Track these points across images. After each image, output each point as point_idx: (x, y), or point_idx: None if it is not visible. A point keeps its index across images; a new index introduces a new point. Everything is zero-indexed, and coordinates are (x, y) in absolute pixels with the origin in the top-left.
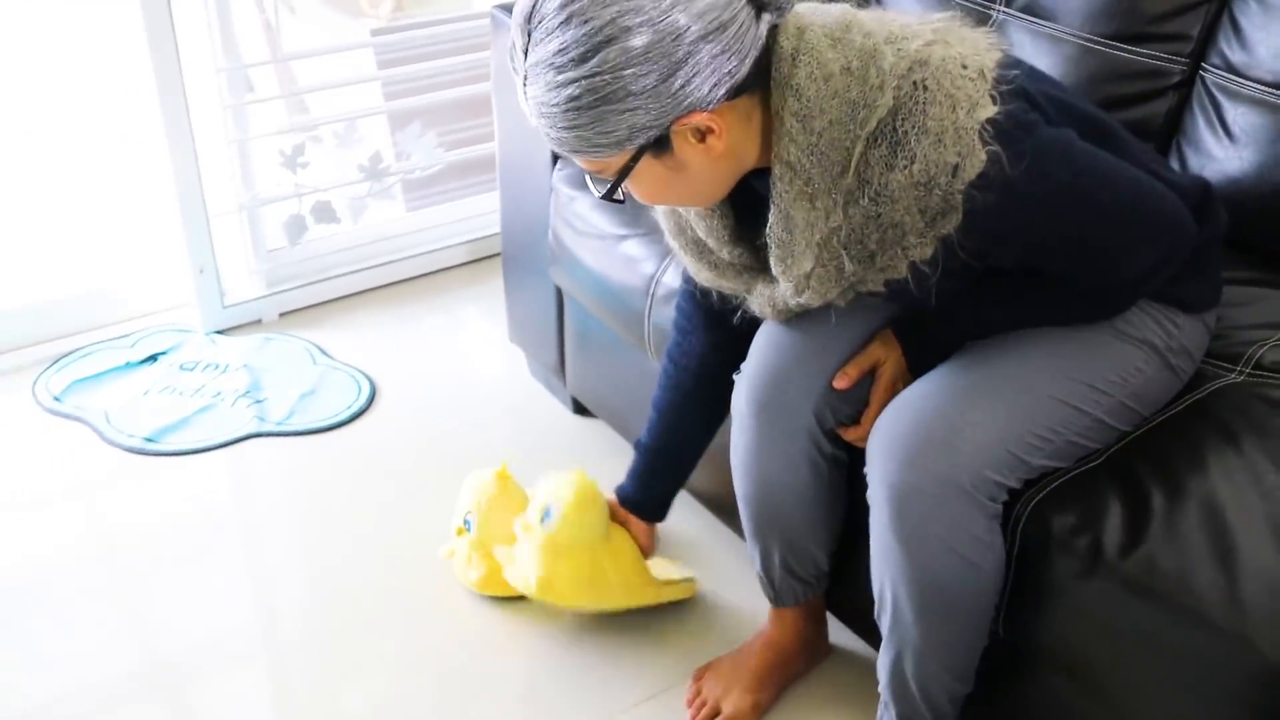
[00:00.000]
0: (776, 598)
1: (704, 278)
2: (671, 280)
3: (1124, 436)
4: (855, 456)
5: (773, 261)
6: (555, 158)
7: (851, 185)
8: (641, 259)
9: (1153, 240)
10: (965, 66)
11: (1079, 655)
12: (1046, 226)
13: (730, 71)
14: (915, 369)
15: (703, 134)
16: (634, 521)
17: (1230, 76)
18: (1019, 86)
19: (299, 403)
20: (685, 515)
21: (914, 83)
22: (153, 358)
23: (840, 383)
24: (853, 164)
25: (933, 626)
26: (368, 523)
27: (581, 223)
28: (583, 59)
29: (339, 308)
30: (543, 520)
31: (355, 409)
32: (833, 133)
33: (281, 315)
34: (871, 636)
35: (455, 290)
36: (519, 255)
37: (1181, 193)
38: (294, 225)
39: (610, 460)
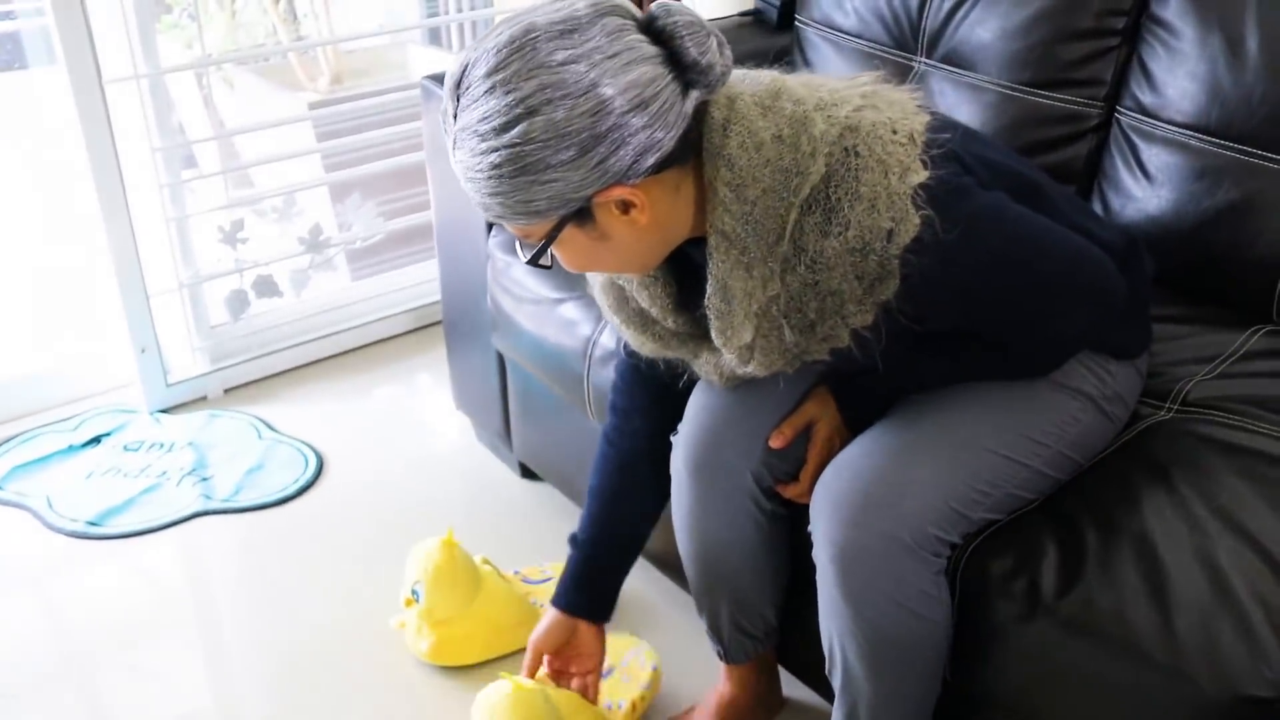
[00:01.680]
0: (727, 654)
1: (648, 349)
2: (609, 341)
3: (1061, 484)
4: (797, 511)
5: (714, 332)
6: (490, 225)
7: (787, 253)
8: (579, 321)
9: (1085, 303)
10: (895, 131)
11: (1024, 698)
12: (982, 291)
13: (654, 147)
14: (851, 426)
15: (626, 206)
16: (581, 630)
17: (1143, 118)
18: (950, 150)
19: (245, 478)
20: (634, 571)
21: (845, 149)
22: (96, 439)
23: (776, 442)
24: (788, 231)
25: (884, 681)
26: (320, 597)
27: (518, 288)
28: (505, 128)
29: (284, 381)
30: (415, 601)
31: (303, 482)
32: (766, 201)
33: (226, 391)
34: (825, 689)
35: (400, 359)
36: (460, 322)
37: (1108, 246)
38: (236, 300)
39: (557, 522)
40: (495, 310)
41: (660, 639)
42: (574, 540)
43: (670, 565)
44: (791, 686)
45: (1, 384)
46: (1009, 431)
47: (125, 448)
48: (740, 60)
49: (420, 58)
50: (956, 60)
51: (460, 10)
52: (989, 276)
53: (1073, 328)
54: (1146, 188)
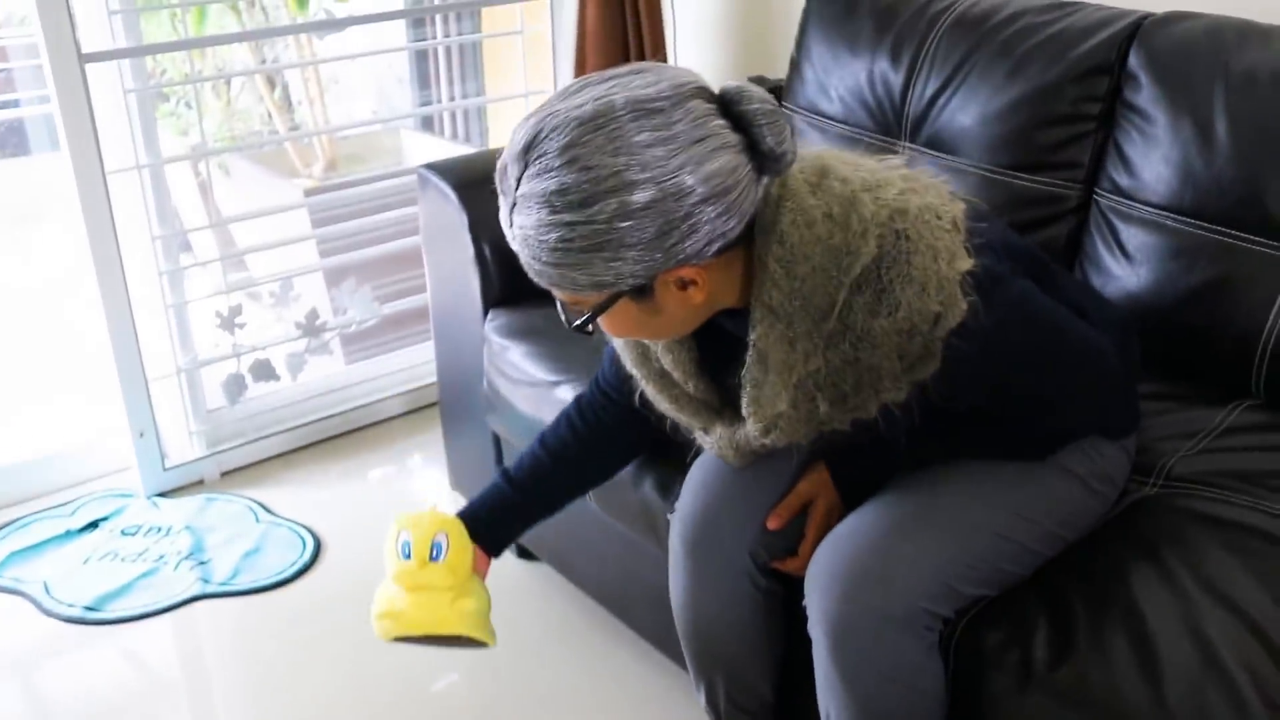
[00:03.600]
0: None
1: (664, 408)
2: None
3: (1049, 559)
4: (793, 588)
5: (745, 402)
6: (486, 309)
7: (834, 329)
8: None
9: (1092, 391)
10: (939, 217)
11: None
12: (1010, 376)
13: (725, 232)
14: (848, 502)
15: (685, 284)
16: (475, 553)
17: (1121, 200)
18: (988, 240)
19: (243, 561)
20: (628, 650)
21: (896, 231)
22: (93, 524)
23: (773, 524)
24: (836, 309)
25: None
26: (319, 679)
27: (514, 370)
28: (582, 204)
29: (281, 464)
30: (435, 558)
31: (300, 565)
32: (816, 278)
33: (223, 474)
34: None
35: (396, 440)
36: (456, 404)
37: (1108, 329)
38: (233, 384)
39: (554, 601)
40: (491, 392)
41: (656, 715)
42: (506, 475)
43: (666, 645)
44: None
45: None
46: (1000, 509)
47: (123, 532)
48: None
49: (414, 143)
50: (939, 144)
51: (452, 99)
52: (1019, 363)
53: (1079, 414)
54: (1126, 267)
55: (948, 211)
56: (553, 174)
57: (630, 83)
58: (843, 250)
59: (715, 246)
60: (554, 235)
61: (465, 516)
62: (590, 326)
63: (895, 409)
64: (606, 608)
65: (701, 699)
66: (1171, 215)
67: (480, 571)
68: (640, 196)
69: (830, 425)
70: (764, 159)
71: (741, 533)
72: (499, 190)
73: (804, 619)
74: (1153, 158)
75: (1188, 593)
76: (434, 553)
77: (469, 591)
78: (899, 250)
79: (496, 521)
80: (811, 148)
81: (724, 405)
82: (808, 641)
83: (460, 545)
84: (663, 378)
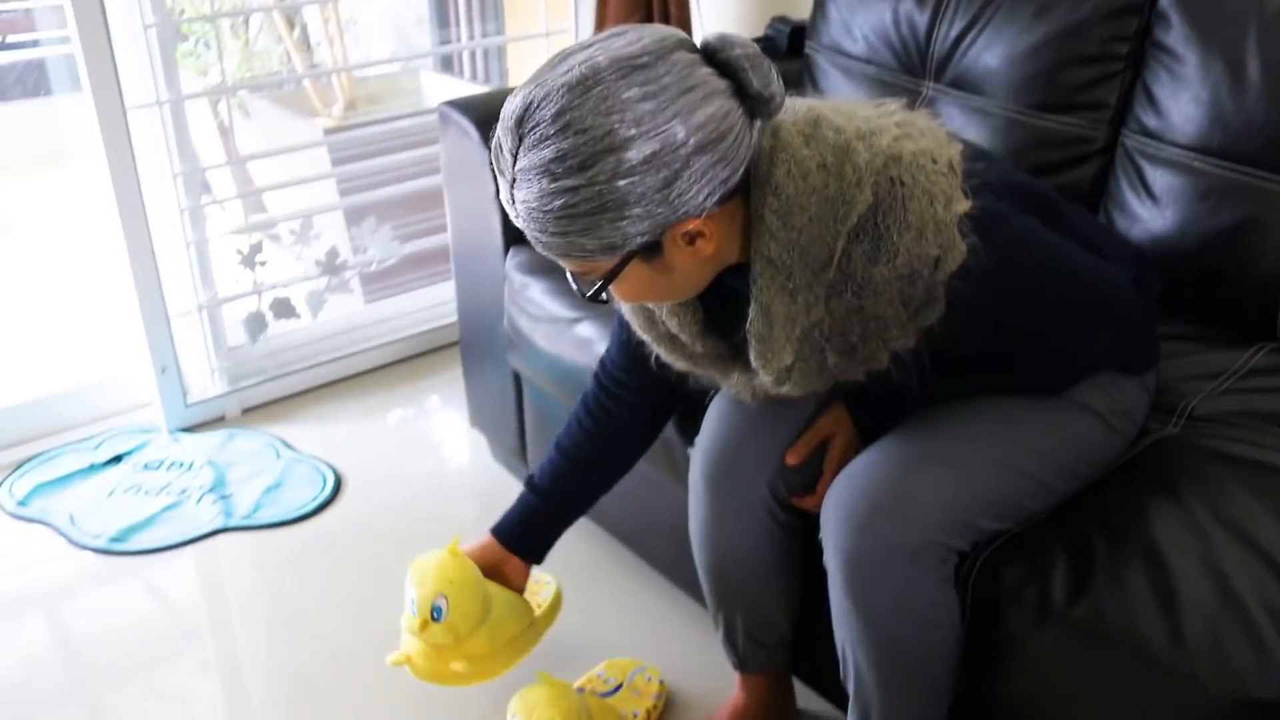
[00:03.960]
0: (742, 664)
1: (679, 367)
2: None
3: (1069, 496)
4: (811, 523)
5: (753, 356)
6: (507, 246)
7: (834, 279)
8: (594, 340)
9: (1108, 326)
10: (935, 161)
11: (1035, 705)
12: (1017, 315)
13: (725, 179)
14: (866, 437)
15: (692, 238)
16: (511, 560)
17: (1148, 141)
18: (985, 180)
19: (264, 496)
20: (647, 586)
21: (891, 179)
22: (117, 459)
23: (792, 459)
24: (835, 259)
25: (893, 688)
26: (338, 614)
27: (535, 308)
28: (580, 168)
29: (301, 401)
30: (435, 618)
31: (320, 500)
32: (813, 229)
33: (245, 411)
34: (839, 700)
35: (415, 379)
36: (476, 342)
37: (1124, 264)
38: (254, 322)
39: (571, 540)
40: (512, 330)
41: (674, 650)
42: (531, 484)
43: (685, 580)
44: (806, 698)
45: (24, 404)
46: (1017, 444)
47: (145, 466)
48: None
49: (432, 84)
50: (964, 85)
51: (472, 38)
52: (1025, 301)
53: (1093, 349)
54: (1152, 209)
55: (943, 155)
56: (548, 142)
57: (612, 45)
58: (838, 199)
59: (717, 195)
60: (558, 203)
61: (498, 533)
62: (604, 294)
63: (905, 356)
64: (626, 544)
65: (720, 633)
66: (1200, 156)
67: (518, 584)
68: (637, 152)
69: (847, 376)
70: (754, 102)
71: (761, 468)
72: (496, 171)
73: (822, 554)
74: (1182, 98)
75: (1207, 531)
76: (435, 615)
77: (476, 638)
78: (894, 196)
79: (529, 534)
80: (804, 99)
81: (735, 356)
82: (825, 578)
83: (461, 607)
84: (672, 340)
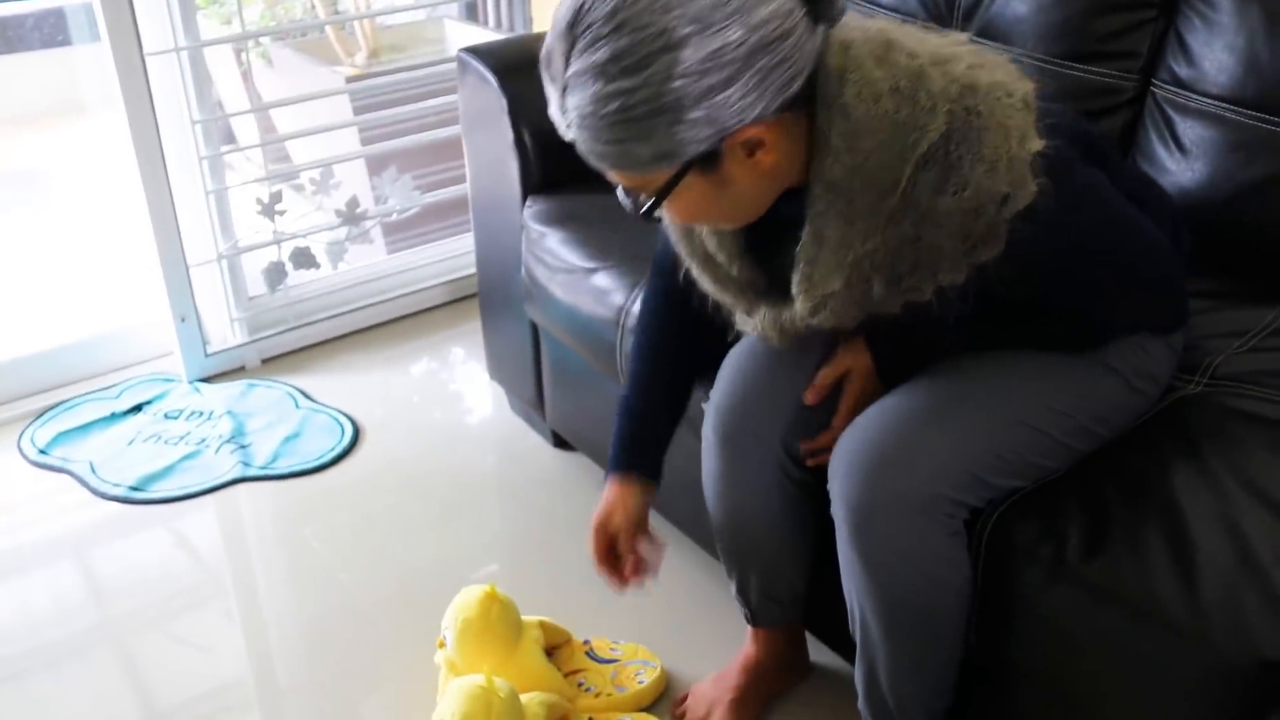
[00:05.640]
0: (754, 619)
1: (707, 288)
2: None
3: (1084, 455)
4: (825, 479)
5: (796, 280)
6: (525, 195)
7: (895, 207)
8: (611, 290)
9: (1149, 284)
10: (1010, 95)
11: (1049, 663)
12: (1072, 262)
13: (785, 84)
14: (886, 380)
15: (752, 149)
16: (630, 491)
17: (1179, 91)
18: (1058, 122)
19: (283, 446)
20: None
21: (966, 108)
22: (137, 408)
23: (810, 397)
24: (900, 187)
25: (901, 642)
26: (356, 564)
27: (552, 258)
28: (635, 68)
29: (321, 352)
30: (445, 645)
31: (339, 450)
32: (880, 154)
33: (264, 361)
34: (851, 654)
35: (435, 330)
36: (494, 293)
37: (1162, 219)
38: (274, 272)
39: (590, 491)
40: (529, 281)
41: (687, 602)
42: (625, 405)
43: (700, 534)
44: (818, 651)
45: (45, 353)
46: (1033, 400)
47: (166, 415)
48: None
49: (457, 32)
50: (992, 33)
51: None
52: (1081, 252)
53: (1133, 307)
54: (1181, 161)
55: (1018, 89)
56: (603, 42)
57: None
58: (910, 126)
59: (778, 101)
60: (612, 107)
61: (612, 470)
62: (657, 214)
63: (950, 292)
64: None
65: (733, 588)
66: (1232, 107)
67: (646, 501)
68: (694, 51)
69: (881, 308)
70: (814, 4)
71: (775, 424)
72: (546, 80)
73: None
74: (1215, 46)
75: (1227, 491)
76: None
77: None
78: (969, 127)
79: (636, 452)
80: (874, 20)
81: (769, 287)
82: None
83: (460, 649)
84: (707, 259)
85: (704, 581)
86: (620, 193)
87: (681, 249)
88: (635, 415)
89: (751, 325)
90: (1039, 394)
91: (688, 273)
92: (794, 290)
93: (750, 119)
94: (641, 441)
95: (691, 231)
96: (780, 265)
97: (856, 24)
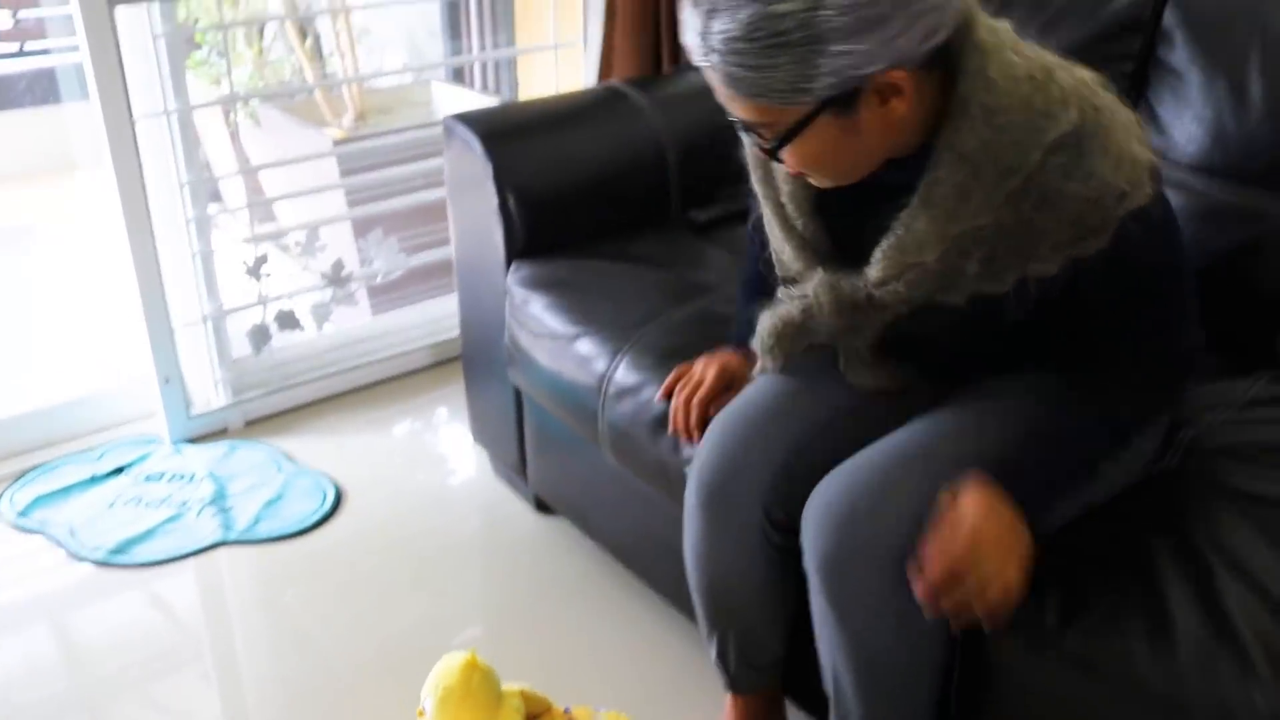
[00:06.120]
0: (733, 685)
1: (773, 235)
2: (623, 378)
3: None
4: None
5: (886, 244)
6: (509, 260)
7: (1016, 188)
8: (594, 357)
9: (1178, 362)
10: (1122, 108)
11: None
12: (1149, 285)
13: (930, 33)
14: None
15: (887, 96)
16: (742, 362)
17: None
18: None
19: (265, 510)
20: (643, 605)
21: (1093, 106)
22: (119, 470)
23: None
24: (1026, 169)
25: (873, 698)
26: (336, 629)
27: (535, 324)
28: None
29: (305, 414)
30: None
31: (321, 514)
32: (1012, 133)
33: (248, 423)
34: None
35: (419, 393)
36: (478, 357)
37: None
38: (258, 334)
39: (573, 558)
40: (512, 346)
41: (667, 670)
42: (733, 335)
43: (681, 600)
44: (796, 716)
45: (25, 415)
46: (1000, 462)
47: (147, 478)
48: None
49: (444, 95)
50: None
51: (484, 49)
52: (1160, 279)
53: (1147, 390)
54: None
55: (1124, 111)
56: None
57: None
58: (1043, 113)
59: (921, 51)
60: (767, 29)
61: (739, 339)
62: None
63: (1032, 285)
64: (623, 562)
65: (712, 653)
66: (1201, 176)
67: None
68: None
69: (951, 295)
70: None
71: (756, 491)
72: (688, 5)
73: None
74: (1184, 117)
75: (1206, 563)
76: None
77: None
78: (1097, 123)
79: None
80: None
81: (831, 251)
82: None
83: (449, 706)
84: (779, 207)
85: (684, 649)
86: (742, 131)
87: (760, 189)
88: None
89: (802, 295)
90: (1008, 456)
91: (756, 219)
92: (877, 255)
93: (894, 62)
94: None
95: (770, 176)
96: (849, 230)
97: (989, 22)
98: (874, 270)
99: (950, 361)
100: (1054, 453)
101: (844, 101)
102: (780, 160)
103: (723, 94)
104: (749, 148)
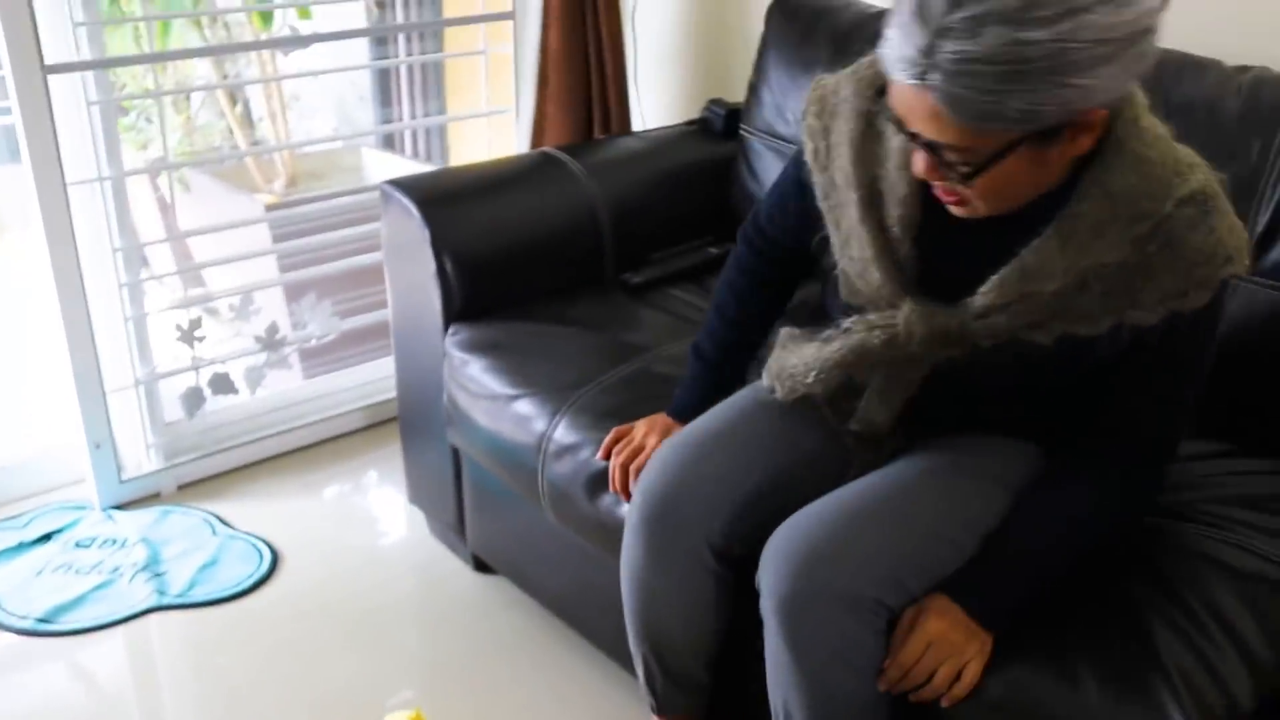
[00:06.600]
0: (660, 707)
1: (857, 260)
2: (562, 437)
3: None
4: (742, 574)
5: (1007, 271)
6: (446, 323)
7: (1143, 233)
8: (533, 417)
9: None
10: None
11: None
12: (1202, 354)
13: (1141, 75)
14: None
15: (1079, 132)
16: (678, 428)
17: None
18: None
19: (199, 574)
20: (584, 661)
21: (1215, 177)
22: (47, 536)
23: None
24: (1158, 216)
25: None
26: (271, 693)
27: (474, 385)
28: (1048, 21)
29: (239, 477)
30: None
31: (257, 577)
32: (1150, 184)
33: (180, 487)
34: None
35: (353, 455)
36: (415, 418)
37: None
38: (191, 397)
39: (511, 613)
40: (451, 406)
41: (596, 694)
42: (699, 354)
43: (622, 655)
44: None
45: None
46: (954, 519)
47: (77, 544)
48: (690, 167)
49: (375, 161)
50: None
51: (414, 116)
52: (1205, 352)
53: (1130, 501)
54: None
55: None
56: None
57: None
58: (1175, 173)
59: (1123, 91)
60: (1012, 54)
61: (677, 414)
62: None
63: (1126, 332)
64: (562, 618)
65: (640, 674)
66: None
67: None
68: (1100, 18)
69: (1039, 335)
70: None
71: (701, 520)
72: (910, 23)
73: (751, 605)
74: None
75: (1145, 607)
76: None
77: None
78: (1217, 191)
79: (705, 404)
80: None
81: (919, 279)
82: (753, 632)
83: None
84: (881, 232)
85: (624, 700)
86: (924, 157)
87: (855, 210)
88: (706, 373)
89: (885, 323)
90: (962, 512)
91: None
92: (991, 282)
93: (1106, 100)
94: (707, 396)
95: (877, 197)
96: (946, 261)
97: None
98: (981, 298)
99: (964, 411)
100: (1025, 564)
101: (1048, 133)
102: (971, 186)
103: (926, 113)
104: (843, 170)
